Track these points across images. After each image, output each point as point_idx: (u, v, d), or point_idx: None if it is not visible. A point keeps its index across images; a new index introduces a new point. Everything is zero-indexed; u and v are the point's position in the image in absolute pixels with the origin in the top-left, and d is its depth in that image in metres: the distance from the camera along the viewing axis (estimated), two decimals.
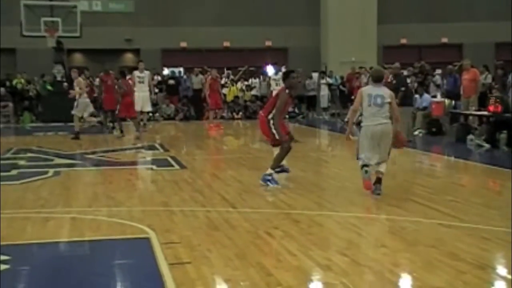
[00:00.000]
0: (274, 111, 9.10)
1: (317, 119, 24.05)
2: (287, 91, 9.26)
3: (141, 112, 18.08)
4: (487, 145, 13.40)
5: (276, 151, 9.23)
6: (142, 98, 17.62)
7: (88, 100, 17.21)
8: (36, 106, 24.00)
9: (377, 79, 8.67)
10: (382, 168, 8.26)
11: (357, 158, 8.38)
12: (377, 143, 8.18)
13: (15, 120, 23.00)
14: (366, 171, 8.19)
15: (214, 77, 19.06)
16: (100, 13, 28.35)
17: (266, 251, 5.58)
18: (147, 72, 18.33)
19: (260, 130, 9.76)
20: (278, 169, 9.25)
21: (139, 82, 17.73)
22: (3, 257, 5.31)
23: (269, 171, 9.10)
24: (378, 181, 8.20)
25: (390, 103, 8.18)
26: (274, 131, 9.11)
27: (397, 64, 16.13)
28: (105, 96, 18.59)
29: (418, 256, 5.35)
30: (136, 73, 18.01)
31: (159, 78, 25.75)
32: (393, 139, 8.28)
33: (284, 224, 6.57)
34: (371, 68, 22.18)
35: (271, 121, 9.09)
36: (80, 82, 16.98)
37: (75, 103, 16.68)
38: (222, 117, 23.36)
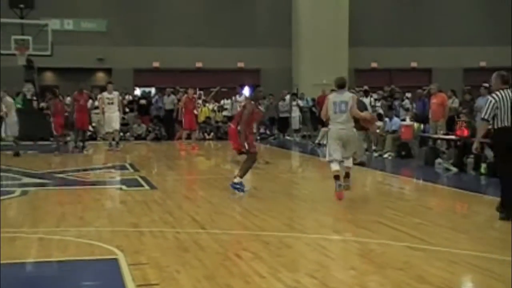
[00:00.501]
0: (242, 122, 9.94)
1: (288, 140, 24.13)
2: (252, 102, 10.23)
3: (109, 133, 18.29)
4: (454, 169, 13.57)
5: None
6: (111, 119, 17.70)
7: (15, 119, 17.07)
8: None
9: (340, 86, 9.65)
10: (349, 163, 9.48)
11: (328, 161, 9.56)
12: (342, 144, 9.39)
13: None
14: (340, 185, 9.29)
15: (190, 97, 19.07)
16: (72, 32, 28.23)
17: (235, 272, 5.56)
18: (116, 93, 18.36)
19: (230, 141, 10.70)
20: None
21: (109, 103, 17.81)
22: None
23: (238, 179, 9.94)
24: (347, 175, 9.33)
25: (352, 104, 9.34)
26: (243, 140, 9.91)
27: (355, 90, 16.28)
28: (77, 115, 18.49)
29: (386, 279, 5.39)
30: (105, 94, 18.05)
31: (131, 98, 25.67)
32: (365, 123, 10.37)
33: (253, 245, 6.56)
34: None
35: (242, 131, 9.92)
36: (6, 101, 16.89)
37: (3, 124, 16.69)
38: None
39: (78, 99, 18.60)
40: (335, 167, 9.46)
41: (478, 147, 8.86)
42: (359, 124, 10.43)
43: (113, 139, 18.21)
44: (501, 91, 7.99)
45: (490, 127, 8.15)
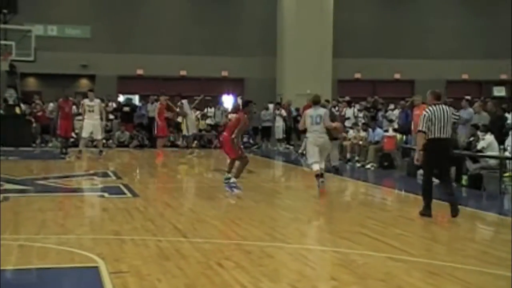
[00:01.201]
0: (236, 132, 11.28)
1: (271, 150, 24.17)
2: (245, 116, 11.58)
3: (83, 139, 18.20)
4: (436, 180, 13.62)
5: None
6: (92, 126, 17.59)
7: None
8: None
9: (315, 102, 11.75)
10: (322, 165, 11.55)
11: (308, 164, 11.73)
12: (319, 150, 11.40)
13: None
14: (322, 181, 11.25)
15: (163, 103, 19.09)
16: (56, 37, 28.10)
17: (217, 282, 5.55)
18: (97, 101, 18.23)
19: (224, 148, 11.84)
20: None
21: (89, 110, 17.66)
22: None
23: (233, 179, 11.32)
24: (321, 175, 11.28)
25: (325, 118, 11.43)
26: (237, 147, 11.43)
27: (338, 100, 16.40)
28: (62, 122, 18.40)
29: None
30: (86, 101, 17.88)
31: (114, 105, 25.59)
32: (334, 132, 12.38)
33: (235, 255, 6.56)
34: (326, 101, 22.55)
35: (235, 140, 11.32)
36: None
37: None
38: (176, 146, 23.34)
39: (63, 106, 18.50)
40: (316, 167, 11.28)
41: (419, 158, 9.36)
42: (331, 135, 12.31)
43: (96, 147, 18.16)
44: (434, 106, 9.08)
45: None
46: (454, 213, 8.98)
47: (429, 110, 9.04)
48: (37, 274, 5.85)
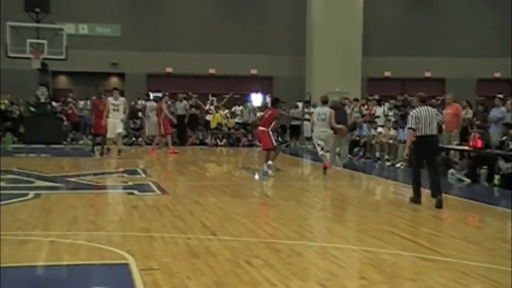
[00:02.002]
0: (272, 125, 13.88)
1: (300, 148, 24.13)
2: (278, 111, 14.23)
3: (110, 139, 17.92)
4: (467, 180, 13.51)
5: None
6: (113, 124, 17.43)
7: None
8: (18, 127, 23.87)
9: (323, 102, 14.50)
10: (327, 157, 14.30)
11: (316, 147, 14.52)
12: (323, 142, 14.22)
13: None
14: (324, 155, 14.20)
15: (161, 103, 19.31)
16: (86, 36, 28.39)
17: (246, 280, 5.55)
18: (122, 99, 18.04)
19: (261, 141, 14.48)
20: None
21: (114, 109, 17.45)
22: None
23: (270, 162, 13.77)
24: (325, 168, 14.14)
25: (329, 117, 14.05)
26: (273, 139, 13.94)
27: (336, 99, 16.67)
28: (96, 121, 18.20)
29: None
30: (111, 100, 17.63)
31: (143, 102, 25.74)
32: (338, 131, 14.41)
33: (264, 253, 6.55)
34: (355, 99, 22.44)
35: (270, 132, 13.86)
36: None
37: None
38: (206, 144, 23.43)
39: (97, 104, 18.32)
40: (321, 151, 14.29)
41: (408, 152, 10.54)
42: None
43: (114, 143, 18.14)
44: (420, 108, 10.33)
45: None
46: (438, 203, 9.94)
47: (416, 110, 10.32)
48: (68, 271, 5.91)
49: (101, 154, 17.94)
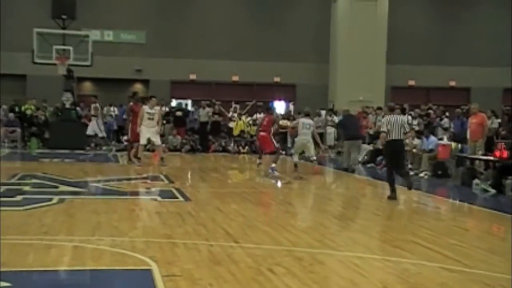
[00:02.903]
0: (272, 130, 16.34)
1: (322, 156, 24.04)
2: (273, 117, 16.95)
3: (142, 146, 17.38)
4: (492, 190, 13.36)
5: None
6: (150, 133, 16.90)
7: None
8: (44, 132, 24.11)
9: (307, 114, 16.64)
10: (313, 158, 16.36)
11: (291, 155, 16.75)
12: (305, 147, 16.19)
13: (22, 146, 23.09)
14: (314, 160, 16.41)
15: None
16: (111, 43, 28.64)
17: None
18: (157, 108, 17.61)
19: (264, 145, 16.46)
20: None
21: (149, 118, 16.84)
22: (4, 284, 5.29)
23: (273, 165, 15.71)
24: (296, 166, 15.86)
25: (313, 128, 16.16)
26: (275, 142, 16.32)
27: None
28: (133, 127, 17.48)
29: None
30: (146, 108, 16.97)
31: (167, 109, 25.88)
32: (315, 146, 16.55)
33: (286, 261, 6.54)
34: (378, 108, 22.34)
35: (272, 137, 16.19)
36: None
37: None
38: (228, 151, 23.45)
39: (136, 110, 17.58)
40: (296, 159, 16.01)
41: (382, 142, 12.70)
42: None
43: (151, 151, 17.85)
44: (389, 116, 12.23)
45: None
46: (409, 186, 12.31)
47: (386, 119, 12.17)
48: (91, 276, 5.94)
49: (132, 160, 17.66)
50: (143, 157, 17.38)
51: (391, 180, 11.97)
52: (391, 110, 12.75)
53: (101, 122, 23.63)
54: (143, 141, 16.98)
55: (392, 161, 12.14)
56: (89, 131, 23.23)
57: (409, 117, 20.17)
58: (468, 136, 16.21)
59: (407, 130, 12.60)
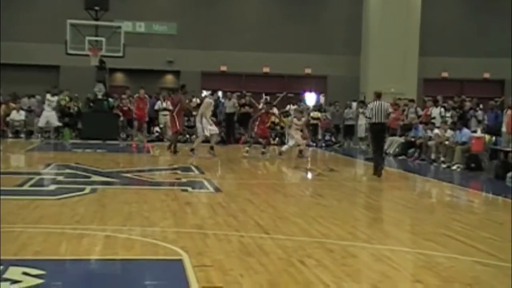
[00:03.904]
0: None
1: (353, 148, 23.93)
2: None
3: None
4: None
5: None
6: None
7: None
8: (77, 123, 24.37)
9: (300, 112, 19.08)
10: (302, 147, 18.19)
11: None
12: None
13: (55, 136, 23.38)
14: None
15: (141, 96, 19.21)
16: (143, 34, 28.79)
17: (299, 279, 5.52)
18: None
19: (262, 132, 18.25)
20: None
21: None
22: (38, 272, 5.35)
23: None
24: (300, 152, 17.85)
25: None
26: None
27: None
28: (179, 118, 18.06)
29: None
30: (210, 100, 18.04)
31: (198, 100, 25.91)
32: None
33: (317, 253, 6.51)
34: (411, 100, 22.11)
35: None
36: None
37: None
38: (259, 142, 23.42)
39: (182, 101, 18.15)
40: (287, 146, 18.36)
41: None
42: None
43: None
44: (375, 102, 13.86)
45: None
46: (378, 173, 13.69)
47: (372, 104, 13.87)
48: (123, 265, 5.98)
49: (175, 152, 17.92)
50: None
51: (376, 159, 13.90)
52: (378, 96, 14.02)
53: None
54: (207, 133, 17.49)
55: (373, 142, 14.24)
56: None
57: (442, 109, 19.94)
58: (503, 129, 15.96)
59: (389, 113, 14.30)
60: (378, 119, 13.64)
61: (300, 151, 18.18)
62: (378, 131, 14.00)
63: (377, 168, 13.69)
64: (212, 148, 17.72)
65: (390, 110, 14.25)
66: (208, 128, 17.51)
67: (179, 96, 18.69)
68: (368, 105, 14.36)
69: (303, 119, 19.23)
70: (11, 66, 26.56)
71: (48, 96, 22.86)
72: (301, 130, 18.71)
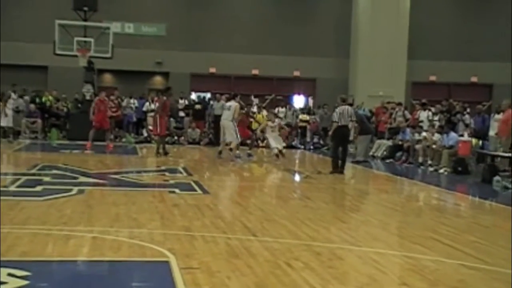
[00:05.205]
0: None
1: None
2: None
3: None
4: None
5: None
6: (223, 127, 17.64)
7: None
8: (64, 123, 24.26)
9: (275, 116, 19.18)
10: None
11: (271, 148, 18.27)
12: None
13: (42, 137, 23.25)
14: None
15: (101, 99, 19.24)
16: (132, 35, 28.73)
17: (286, 282, 5.51)
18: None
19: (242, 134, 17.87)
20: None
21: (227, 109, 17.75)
22: (24, 273, 5.32)
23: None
24: (280, 152, 17.85)
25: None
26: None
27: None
28: (160, 120, 17.88)
29: None
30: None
31: (186, 102, 25.92)
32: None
33: (304, 255, 6.51)
34: (398, 103, 22.19)
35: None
36: None
37: None
38: (247, 145, 23.42)
39: (167, 104, 18.15)
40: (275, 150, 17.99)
41: (331, 134, 15.55)
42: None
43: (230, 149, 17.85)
44: (341, 107, 14.93)
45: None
46: (341, 169, 14.89)
47: (340, 109, 14.86)
48: (110, 267, 5.96)
49: (165, 154, 17.90)
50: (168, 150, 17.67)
51: (335, 158, 14.99)
52: (343, 101, 15.15)
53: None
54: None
55: (338, 143, 15.00)
56: None
57: (430, 113, 20.02)
58: (491, 133, 16.03)
59: (353, 119, 15.20)
60: (345, 122, 14.70)
61: (277, 155, 17.99)
62: (343, 133, 14.97)
63: (337, 165, 14.82)
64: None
65: (353, 116, 15.08)
66: (237, 131, 17.57)
67: (162, 98, 18.67)
68: (336, 109, 15.07)
69: (277, 120, 19.24)
70: None
71: (12, 95, 22.53)
72: (279, 130, 18.85)
